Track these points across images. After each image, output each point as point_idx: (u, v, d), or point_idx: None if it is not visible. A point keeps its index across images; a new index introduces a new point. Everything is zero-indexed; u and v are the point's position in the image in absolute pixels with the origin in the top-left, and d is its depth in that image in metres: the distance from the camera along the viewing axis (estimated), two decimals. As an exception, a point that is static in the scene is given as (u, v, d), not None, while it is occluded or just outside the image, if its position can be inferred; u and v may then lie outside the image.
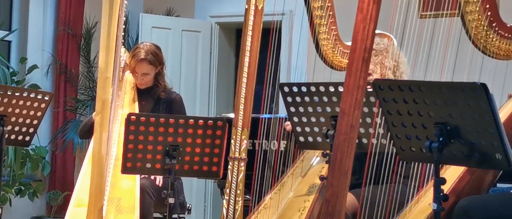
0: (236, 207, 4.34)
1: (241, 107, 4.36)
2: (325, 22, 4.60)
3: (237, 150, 4.35)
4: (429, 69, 4.44)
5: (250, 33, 4.36)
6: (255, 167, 4.66)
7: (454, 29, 4.11)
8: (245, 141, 4.35)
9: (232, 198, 4.34)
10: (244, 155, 4.35)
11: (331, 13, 4.59)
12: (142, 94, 5.40)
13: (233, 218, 4.35)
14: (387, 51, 4.52)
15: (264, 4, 4.37)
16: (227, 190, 4.35)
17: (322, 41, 4.64)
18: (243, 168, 4.36)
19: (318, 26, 4.61)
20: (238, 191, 4.34)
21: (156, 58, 5.33)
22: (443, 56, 4.14)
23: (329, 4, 4.57)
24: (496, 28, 4.11)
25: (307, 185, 4.50)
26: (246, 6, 4.38)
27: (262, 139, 5.18)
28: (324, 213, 3.27)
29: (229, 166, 4.37)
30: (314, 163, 4.66)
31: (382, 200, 4.05)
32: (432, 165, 3.35)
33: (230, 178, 4.35)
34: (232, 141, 4.36)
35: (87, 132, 5.27)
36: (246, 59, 4.36)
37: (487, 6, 4.08)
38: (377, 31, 4.39)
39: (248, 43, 4.36)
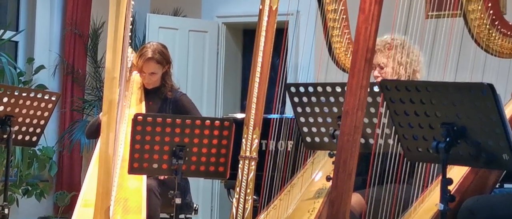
0: (246, 206, 4.35)
1: (253, 106, 4.36)
2: (339, 25, 4.62)
3: (248, 149, 4.35)
4: (432, 68, 4.45)
5: (263, 33, 4.37)
6: (265, 167, 4.66)
7: (456, 28, 4.11)
8: (256, 141, 4.35)
9: (241, 197, 4.34)
10: (255, 154, 4.35)
11: (344, 16, 4.60)
12: (149, 94, 5.40)
13: (243, 217, 4.35)
14: (402, 47, 4.53)
15: (278, 5, 4.38)
16: (237, 189, 4.36)
17: (335, 44, 4.66)
18: (253, 167, 4.36)
19: (331, 29, 4.63)
20: (248, 190, 4.34)
21: (163, 57, 5.33)
22: (446, 55, 4.14)
23: (342, 8, 4.58)
24: (499, 27, 4.11)
25: (317, 187, 4.50)
26: (260, 7, 4.39)
27: (270, 140, 5.18)
28: (329, 215, 3.27)
29: (239, 165, 4.37)
30: (325, 165, 4.66)
31: (389, 200, 4.05)
32: (436, 164, 3.35)
33: (240, 177, 4.35)
34: (243, 140, 4.36)
35: (94, 132, 5.28)
36: (259, 59, 4.36)
37: (489, 4, 4.08)
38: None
39: (262, 43, 4.37)
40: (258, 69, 4.37)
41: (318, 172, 4.63)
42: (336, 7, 4.59)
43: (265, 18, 4.38)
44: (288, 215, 4.41)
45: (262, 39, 4.37)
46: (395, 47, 4.55)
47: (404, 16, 4.16)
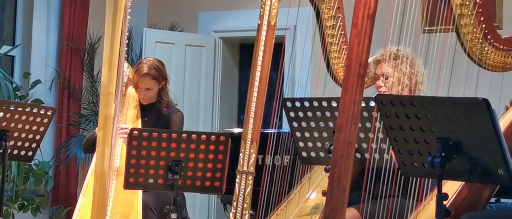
0: (243, 221, 4.34)
1: (251, 120, 4.36)
2: (337, 41, 4.63)
3: (246, 163, 4.34)
4: (425, 83, 4.46)
5: (262, 48, 4.37)
6: (262, 182, 4.66)
7: (449, 43, 4.12)
8: (253, 155, 4.35)
9: (239, 211, 4.33)
10: (252, 169, 4.35)
11: (342, 32, 4.62)
12: (145, 110, 5.39)
13: (240, 232, 4.35)
14: (407, 58, 4.53)
15: (276, 20, 4.38)
16: (234, 204, 4.35)
17: (332, 59, 4.67)
18: (250, 181, 4.36)
19: (329, 45, 4.64)
20: (245, 205, 4.33)
21: (159, 73, 5.32)
22: (439, 69, 4.15)
23: (341, 24, 4.60)
24: (491, 40, 4.13)
25: (314, 203, 4.50)
26: (259, 22, 4.39)
27: (267, 154, 5.18)
28: (323, 230, 3.27)
29: (236, 180, 4.37)
30: (322, 181, 4.65)
31: (384, 214, 4.05)
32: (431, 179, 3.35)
33: (237, 192, 4.35)
34: (241, 154, 4.36)
35: (91, 146, 5.28)
36: (257, 74, 4.37)
37: (482, 18, 4.10)
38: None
39: (260, 58, 4.37)
40: (256, 83, 4.37)
41: (315, 188, 4.63)
42: (334, 23, 4.60)
43: (264, 33, 4.38)
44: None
45: (261, 53, 4.37)
46: (400, 57, 4.56)
47: (396, 30, 4.17)
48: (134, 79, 5.29)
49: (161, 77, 5.34)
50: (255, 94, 4.37)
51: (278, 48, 4.72)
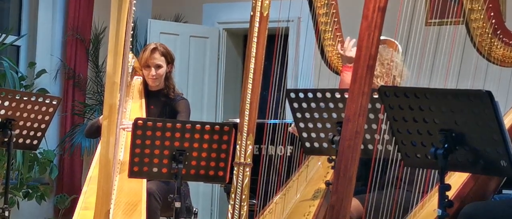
0: (241, 212, 4.36)
1: (247, 112, 4.37)
2: (330, 29, 4.64)
3: (243, 155, 4.36)
4: (434, 76, 4.46)
5: (255, 39, 4.38)
6: (260, 172, 4.68)
7: (459, 36, 4.13)
8: (250, 147, 4.36)
9: (237, 203, 4.35)
10: (249, 161, 4.37)
11: (336, 19, 4.63)
12: (151, 98, 5.40)
13: (239, 223, 4.37)
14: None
15: (269, 11, 4.39)
16: (232, 195, 4.37)
17: (327, 47, 4.68)
18: (248, 173, 4.37)
19: (323, 32, 4.66)
20: (243, 196, 4.35)
21: (167, 50, 5.37)
22: (448, 63, 4.15)
23: (334, 11, 4.61)
24: (501, 36, 4.13)
25: (312, 190, 4.52)
26: (251, 13, 4.40)
27: (268, 144, 5.20)
28: (329, 218, 3.29)
29: (234, 172, 4.38)
30: (319, 168, 4.68)
31: (387, 205, 4.07)
32: (437, 171, 3.37)
33: (235, 184, 4.37)
34: (237, 146, 4.38)
35: (94, 133, 5.31)
36: (251, 65, 4.37)
37: (492, 14, 4.10)
38: (382, 37, 4.45)
39: (254, 50, 4.39)
40: (251, 75, 4.38)
41: (314, 176, 4.65)
42: (327, 11, 4.62)
43: (256, 25, 4.38)
44: (284, 218, 4.43)
45: (254, 45, 4.38)
46: None
47: (406, 23, 4.18)
48: (144, 57, 5.32)
49: (169, 56, 5.38)
50: (249, 85, 4.38)
51: (285, 40, 4.74)
